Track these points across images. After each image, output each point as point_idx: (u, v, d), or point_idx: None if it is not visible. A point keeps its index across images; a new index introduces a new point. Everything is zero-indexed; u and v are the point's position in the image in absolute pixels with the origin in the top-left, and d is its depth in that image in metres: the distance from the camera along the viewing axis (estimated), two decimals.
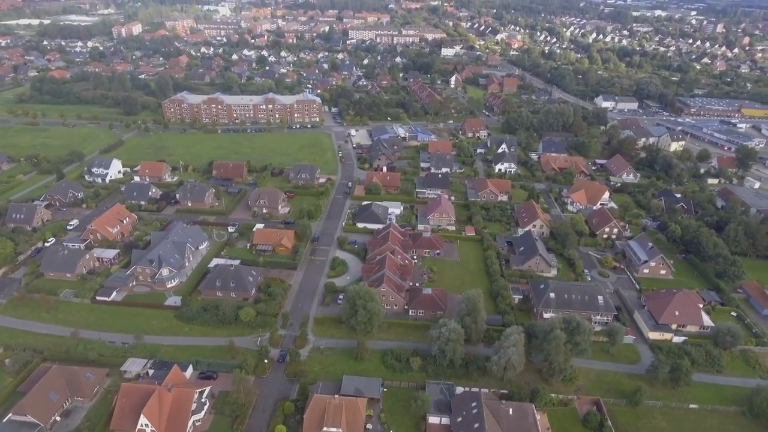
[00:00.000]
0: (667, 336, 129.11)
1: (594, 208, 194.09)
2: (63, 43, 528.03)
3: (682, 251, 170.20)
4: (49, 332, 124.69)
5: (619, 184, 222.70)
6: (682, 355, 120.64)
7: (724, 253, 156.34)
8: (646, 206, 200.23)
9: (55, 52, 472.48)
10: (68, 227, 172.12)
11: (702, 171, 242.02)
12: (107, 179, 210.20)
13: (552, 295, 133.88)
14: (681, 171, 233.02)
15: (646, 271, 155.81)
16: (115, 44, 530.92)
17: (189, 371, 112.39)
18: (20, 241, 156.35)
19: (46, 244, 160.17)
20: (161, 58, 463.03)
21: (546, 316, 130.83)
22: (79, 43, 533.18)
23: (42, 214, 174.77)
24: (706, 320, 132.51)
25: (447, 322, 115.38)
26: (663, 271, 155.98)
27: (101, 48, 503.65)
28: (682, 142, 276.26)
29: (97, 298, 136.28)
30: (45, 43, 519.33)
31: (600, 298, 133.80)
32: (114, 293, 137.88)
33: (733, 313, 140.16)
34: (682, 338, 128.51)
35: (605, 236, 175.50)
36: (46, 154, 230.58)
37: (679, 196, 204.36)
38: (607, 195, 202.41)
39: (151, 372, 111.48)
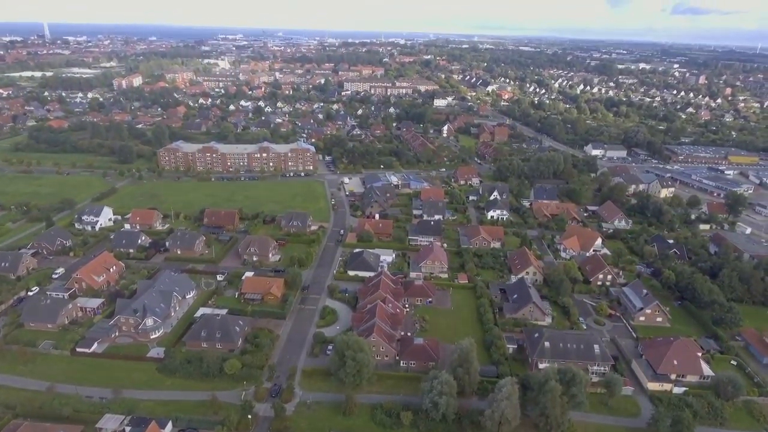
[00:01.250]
0: (667, 386, 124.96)
1: (587, 254, 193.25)
2: (63, 94, 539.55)
3: (677, 298, 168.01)
4: (24, 386, 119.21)
5: (611, 231, 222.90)
6: (683, 407, 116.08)
7: (719, 300, 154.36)
8: (639, 252, 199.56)
9: (55, 103, 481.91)
10: (54, 276, 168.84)
11: (693, 217, 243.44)
12: (97, 227, 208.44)
13: (547, 344, 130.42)
14: (672, 217, 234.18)
15: (642, 318, 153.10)
16: (115, 95, 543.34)
17: (168, 428, 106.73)
18: (2, 290, 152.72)
19: (30, 293, 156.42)
20: (159, 109, 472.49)
21: (541, 366, 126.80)
22: (80, 94, 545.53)
23: (27, 263, 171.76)
24: (706, 369, 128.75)
25: (439, 374, 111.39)
26: (659, 319, 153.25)
27: (101, 99, 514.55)
28: (672, 189, 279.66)
29: (78, 349, 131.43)
30: (46, 94, 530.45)
31: (596, 347, 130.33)
32: (95, 344, 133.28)
33: (733, 362, 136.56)
34: (682, 389, 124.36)
35: (599, 283, 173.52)
36: (37, 202, 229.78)
37: (671, 242, 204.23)
38: (599, 241, 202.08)
39: (128, 429, 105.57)
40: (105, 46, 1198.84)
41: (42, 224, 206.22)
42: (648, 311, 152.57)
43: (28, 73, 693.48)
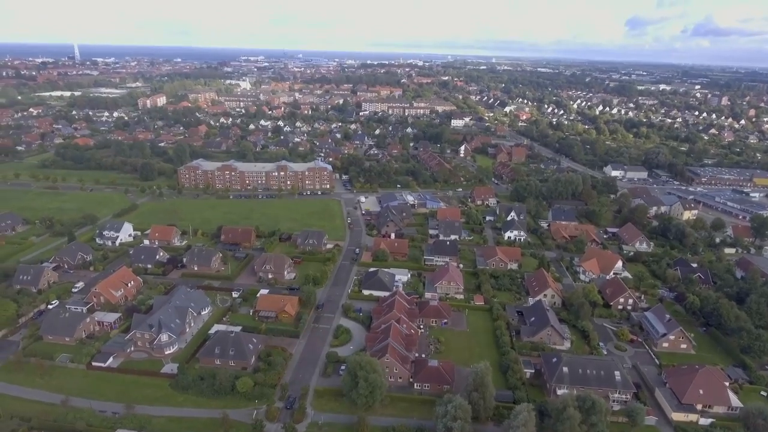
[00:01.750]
0: (693, 417, 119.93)
1: (607, 277, 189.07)
2: (91, 113, 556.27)
3: (702, 324, 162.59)
4: (39, 399, 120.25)
5: (632, 253, 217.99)
6: None
7: (747, 327, 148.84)
8: (662, 276, 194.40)
9: (82, 122, 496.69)
10: (73, 290, 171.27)
11: (717, 240, 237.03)
12: (117, 242, 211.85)
13: (565, 369, 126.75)
14: (695, 240, 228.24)
15: (665, 344, 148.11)
16: (140, 114, 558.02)
17: None
18: (23, 303, 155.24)
19: (49, 307, 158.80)
20: (181, 128, 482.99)
21: (559, 392, 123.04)
22: (106, 113, 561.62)
23: (48, 276, 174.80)
24: (734, 400, 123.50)
25: (453, 398, 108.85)
26: (683, 345, 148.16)
27: (126, 118, 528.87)
28: (695, 211, 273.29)
29: (93, 363, 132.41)
30: (74, 113, 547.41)
31: (617, 373, 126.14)
32: (111, 359, 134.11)
33: (762, 393, 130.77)
34: (709, 420, 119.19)
35: (620, 307, 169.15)
36: (60, 217, 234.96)
37: (695, 266, 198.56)
38: (620, 264, 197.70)
39: None
40: (132, 67, 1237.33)
41: (64, 239, 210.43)
42: (671, 337, 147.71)
43: (58, 93, 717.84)
